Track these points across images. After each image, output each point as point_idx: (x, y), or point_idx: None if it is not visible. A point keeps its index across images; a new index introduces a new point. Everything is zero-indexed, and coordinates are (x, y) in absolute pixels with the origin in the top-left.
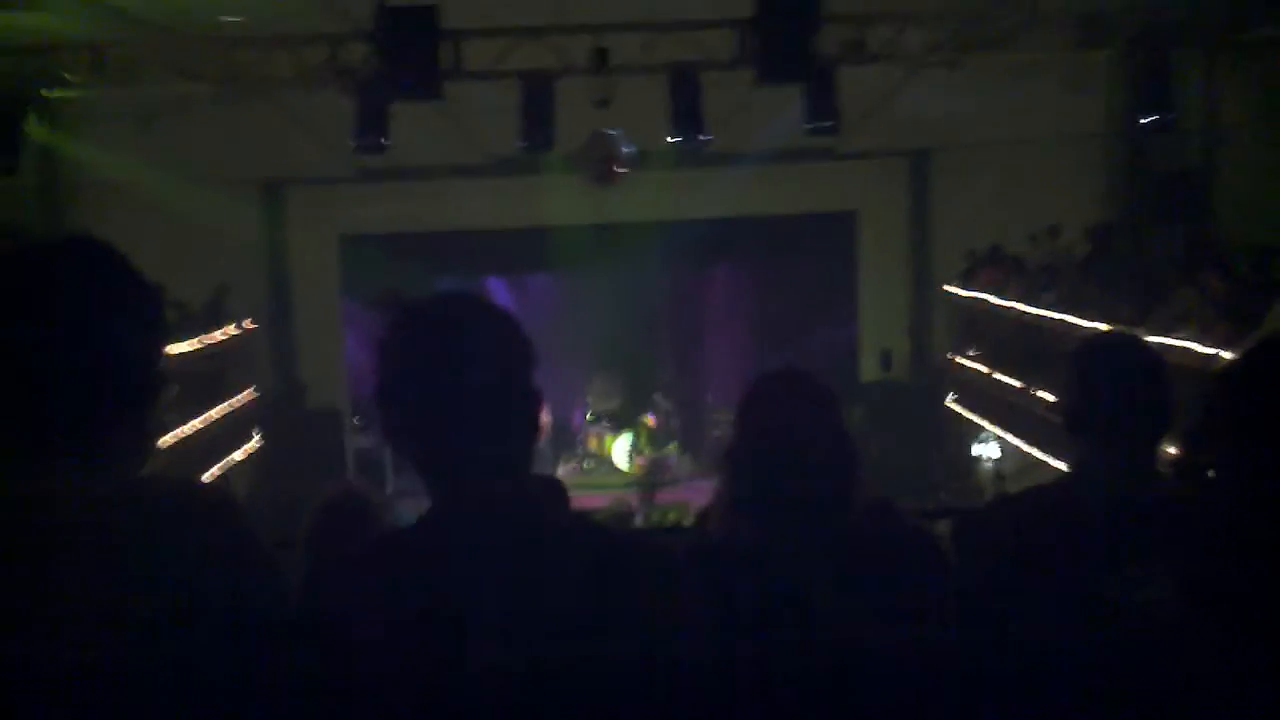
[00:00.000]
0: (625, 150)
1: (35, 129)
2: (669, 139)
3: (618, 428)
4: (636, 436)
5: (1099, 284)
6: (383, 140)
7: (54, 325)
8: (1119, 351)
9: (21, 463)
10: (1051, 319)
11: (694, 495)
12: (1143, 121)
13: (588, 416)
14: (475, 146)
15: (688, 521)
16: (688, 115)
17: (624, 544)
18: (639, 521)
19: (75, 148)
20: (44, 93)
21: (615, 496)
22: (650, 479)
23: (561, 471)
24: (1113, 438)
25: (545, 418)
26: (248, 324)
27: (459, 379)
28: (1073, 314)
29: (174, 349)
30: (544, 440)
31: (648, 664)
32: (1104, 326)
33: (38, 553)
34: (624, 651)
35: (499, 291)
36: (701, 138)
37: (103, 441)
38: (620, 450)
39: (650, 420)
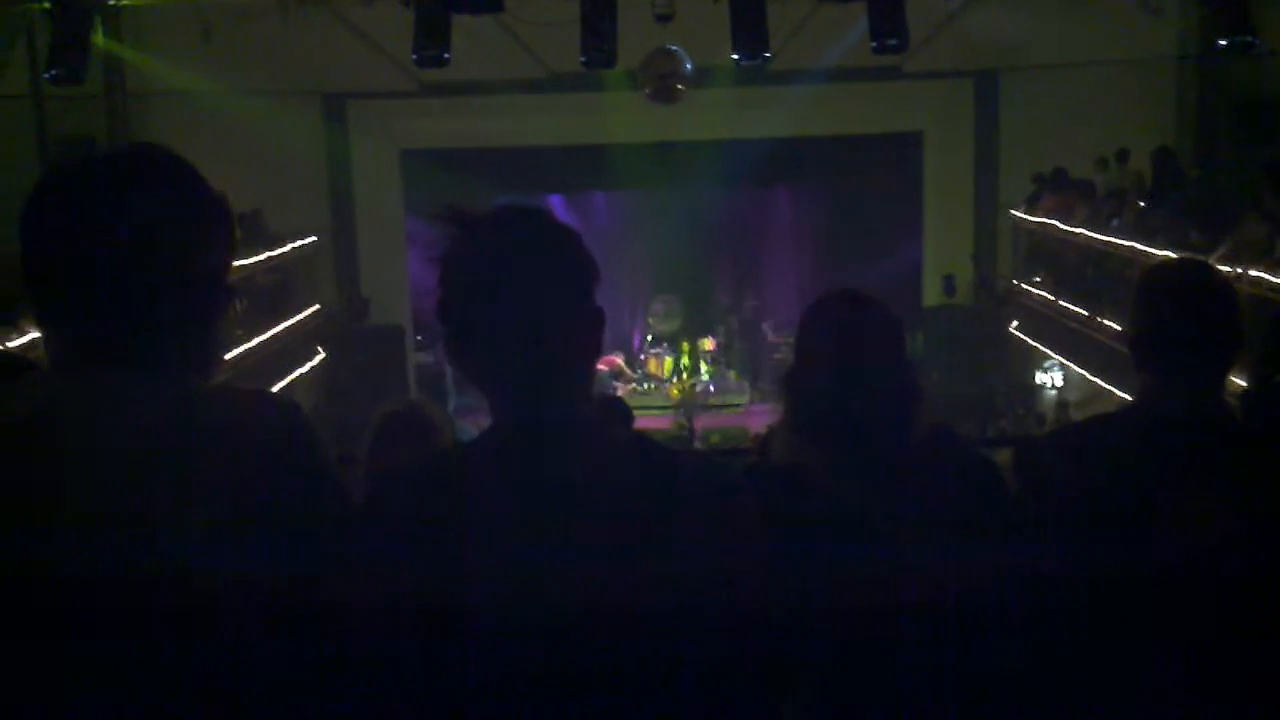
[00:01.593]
0: (687, 67)
1: (101, 39)
2: (731, 56)
3: (677, 350)
4: (677, 360)
5: (1167, 211)
6: (444, 54)
7: (122, 235)
8: (1186, 279)
9: (91, 373)
10: (1118, 245)
11: (751, 419)
12: (1220, 44)
13: (647, 338)
14: (536, 62)
15: (723, 444)
16: (750, 32)
17: (684, 463)
18: (697, 444)
19: (139, 57)
20: (110, 1)
21: (674, 419)
22: (690, 402)
23: (621, 392)
24: (1179, 366)
25: (679, 345)
26: (304, 241)
27: (520, 295)
28: (1140, 241)
29: (239, 262)
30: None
31: (705, 584)
32: (1172, 254)
33: (105, 462)
34: (682, 570)
35: (558, 209)
36: (763, 55)
37: (171, 352)
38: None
39: (709, 343)
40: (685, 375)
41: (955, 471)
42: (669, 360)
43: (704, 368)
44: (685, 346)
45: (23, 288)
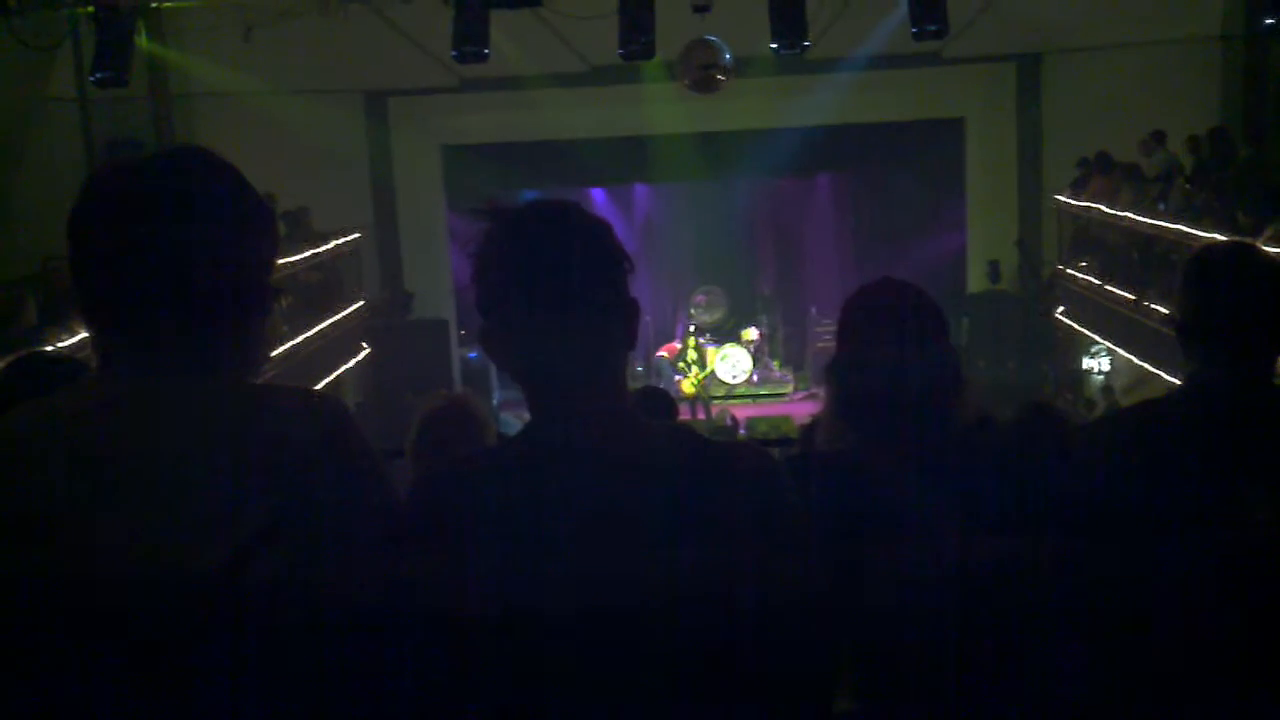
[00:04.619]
0: (725, 57)
1: (145, 41)
2: (769, 45)
3: (721, 340)
4: (684, 354)
5: (1214, 192)
6: (483, 49)
7: (167, 236)
8: (1234, 261)
9: (137, 372)
10: (1165, 228)
11: (796, 408)
12: (1266, 23)
13: (690, 329)
14: (575, 55)
15: (768, 434)
16: (788, 20)
17: (724, 453)
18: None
19: (183, 59)
20: (153, 4)
21: (718, 408)
22: (704, 398)
23: (681, 383)
24: (1228, 350)
25: (685, 339)
26: (348, 238)
27: (553, 288)
28: (1187, 223)
29: (284, 260)
30: (660, 359)
31: (748, 573)
32: (1219, 236)
33: (151, 461)
34: (724, 560)
35: (600, 201)
36: (802, 44)
37: (216, 351)
38: (722, 362)
39: (752, 333)
40: (695, 370)
41: (999, 459)
42: (713, 351)
43: (711, 361)
44: (691, 342)
45: (71, 288)
